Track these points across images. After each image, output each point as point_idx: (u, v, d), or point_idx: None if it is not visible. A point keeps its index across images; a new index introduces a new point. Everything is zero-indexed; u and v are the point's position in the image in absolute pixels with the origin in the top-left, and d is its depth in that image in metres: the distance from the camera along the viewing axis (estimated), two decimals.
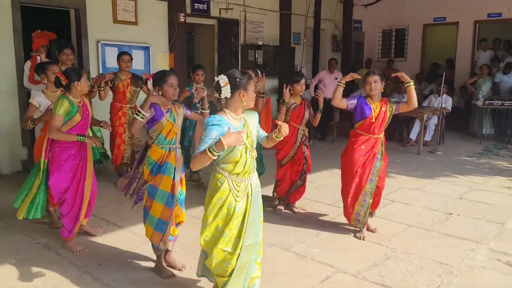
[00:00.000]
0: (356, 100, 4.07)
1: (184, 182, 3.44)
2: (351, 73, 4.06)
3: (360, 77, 4.16)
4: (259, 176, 2.92)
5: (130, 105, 5.58)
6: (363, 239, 4.06)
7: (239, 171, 2.64)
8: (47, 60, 5.43)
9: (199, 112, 3.62)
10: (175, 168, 3.28)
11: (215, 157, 2.45)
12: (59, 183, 3.71)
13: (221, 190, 2.64)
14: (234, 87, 2.58)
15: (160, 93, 3.26)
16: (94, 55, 6.96)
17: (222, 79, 2.58)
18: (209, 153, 2.41)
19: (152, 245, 3.36)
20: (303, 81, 4.68)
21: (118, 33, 7.20)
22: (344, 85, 4.04)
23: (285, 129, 2.66)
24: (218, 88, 2.61)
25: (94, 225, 4.29)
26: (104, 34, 7.04)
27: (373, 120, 4.01)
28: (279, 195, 4.93)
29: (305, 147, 4.76)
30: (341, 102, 4.06)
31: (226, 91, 2.57)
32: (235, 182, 2.65)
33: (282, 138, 2.73)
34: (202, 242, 2.74)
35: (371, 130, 4.03)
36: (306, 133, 4.78)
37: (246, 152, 2.64)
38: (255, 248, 2.77)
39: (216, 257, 2.68)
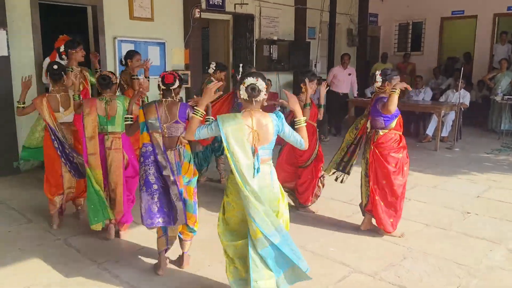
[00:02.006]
0: None
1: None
2: (403, 83, 3.81)
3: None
4: None
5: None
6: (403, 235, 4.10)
7: None
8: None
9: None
10: None
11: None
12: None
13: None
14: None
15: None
16: (111, 51, 7.02)
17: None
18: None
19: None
20: (315, 81, 4.68)
21: (134, 29, 7.24)
22: (399, 92, 3.75)
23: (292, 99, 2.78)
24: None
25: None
26: (120, 30, 7.08)
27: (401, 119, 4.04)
28: (306, 202, 4.77)
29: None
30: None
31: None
32: None
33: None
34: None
35: (401, 127, 4.04)
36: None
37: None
38: None
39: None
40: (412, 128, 9.14)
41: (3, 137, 5.93)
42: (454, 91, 8.78)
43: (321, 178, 4.81)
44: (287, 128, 2.74)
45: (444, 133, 8.58)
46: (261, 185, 2.65)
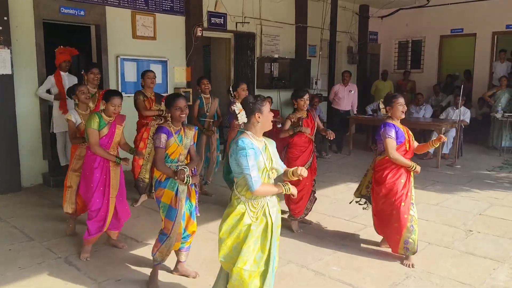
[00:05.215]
0: (394, 132, 3.93)
1: (193, 194, 3.53)
2: None
3: None
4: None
5: (156, 122, 5.63)
6: (412, 266, 3.83)
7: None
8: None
9: None
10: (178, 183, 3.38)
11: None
12: (85, 191, 4.02)
13: (237, 210, 2.70)
14: (249, 112, 2.70)
15: (169, 114, 3.47)
16: (113, 69, 7.09)
17: (237, 107, 2.71)
18: (283, 190, 2.69)
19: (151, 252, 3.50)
20: (306, 96, 4.70)
21: (137, 48, 7.33)
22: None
23: (302, 173, 2.71)
24: (235, 116, 2.74)
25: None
26: (123, 49, 7.16)
27: (408, 144, 4.00)
28: (298, 215, 4.77)
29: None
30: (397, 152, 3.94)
31: (242, 117, 2.70)
32: (251, 204, 2.70)
33: (296, 178, 2.79)
34: (221, 263, 2.79)
35: (407, 153, 4.02)
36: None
37: (265, 175, 2.70)
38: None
39: (238, 278, 2.68)
40: None
41: (5, 155, 5.95)
42: (455, 108, 8.82)
43: (314, 192, 4.87)
44: None
45: (445, 150, 8.58)
46: None
